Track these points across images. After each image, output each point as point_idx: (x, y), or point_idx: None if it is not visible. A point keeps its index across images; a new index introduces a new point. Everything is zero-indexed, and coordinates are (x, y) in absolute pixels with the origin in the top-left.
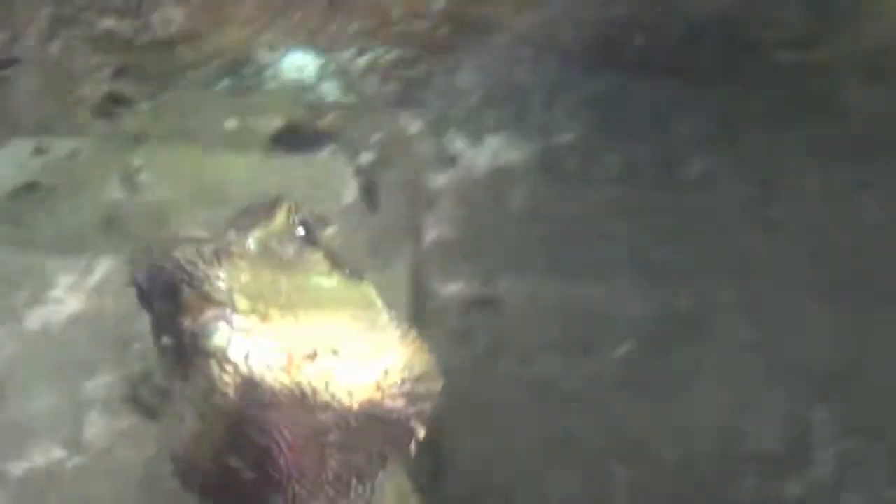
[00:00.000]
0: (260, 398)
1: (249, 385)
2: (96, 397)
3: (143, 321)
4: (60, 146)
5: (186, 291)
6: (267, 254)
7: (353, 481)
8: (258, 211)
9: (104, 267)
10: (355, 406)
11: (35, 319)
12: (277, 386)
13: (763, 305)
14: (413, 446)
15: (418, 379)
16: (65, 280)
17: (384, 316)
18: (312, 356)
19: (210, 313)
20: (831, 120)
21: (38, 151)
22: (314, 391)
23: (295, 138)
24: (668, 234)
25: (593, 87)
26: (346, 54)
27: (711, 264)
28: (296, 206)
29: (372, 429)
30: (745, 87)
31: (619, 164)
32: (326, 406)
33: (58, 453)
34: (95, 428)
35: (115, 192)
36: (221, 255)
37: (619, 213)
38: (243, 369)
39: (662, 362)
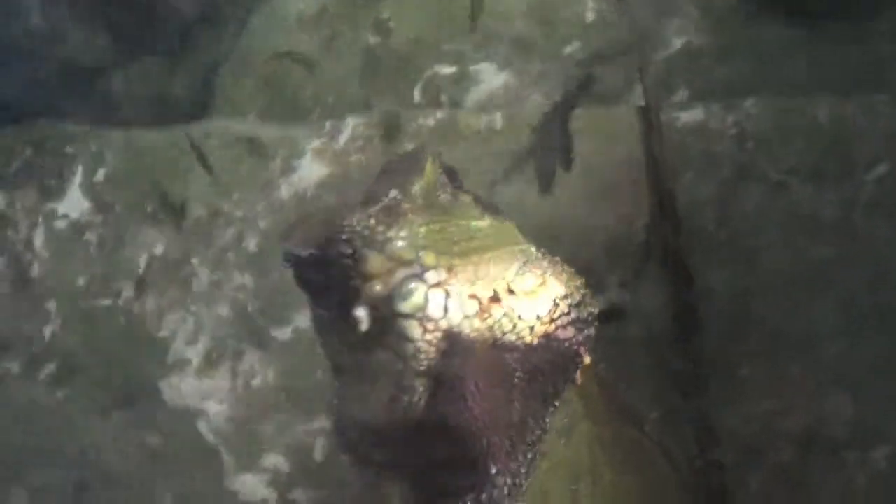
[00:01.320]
0: (460, 350)
1: (451, 338)
2: None
3: None
4: None
5: (371, 256)
6: (429, 205)
7: (531, 422)
8: (405, 164)
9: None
10: (536, 341)
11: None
12: (474, 334)
13: None
14: (579, 374)
15: (580, 305)
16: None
17: (533, 249)
18: (497, 298)
19: (401, 273)
20: None
21: None
22: (503, 332)
23: None
24: None
25: None
26: None
27: None
28: (435, 155)
29: (548, 362)
30: None
31: None
32: (513, 346)
33: None
34: None
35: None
36: (395, 213)
37: None
38: (443, 324)
39: None
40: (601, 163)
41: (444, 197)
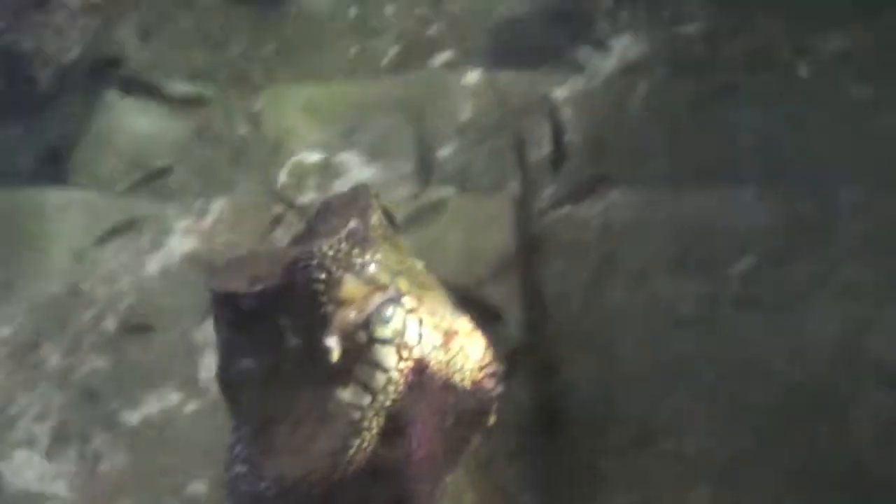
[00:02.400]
0: (420, 385)
1: (418, 370)
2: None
3: None
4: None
5: (347, 280)
6: (384, 236)
7: (445, 473)
8: (346, 200)
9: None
10: (470, 385)
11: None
12: (437, 367)
13: (888, 207)
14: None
15: (496, 360)
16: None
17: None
18: (454, 332)
19: (377, 298)
20: None
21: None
22: (454, 370)
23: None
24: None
25: None
26: None
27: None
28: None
29: (471, 411)
30: None
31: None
32: (456, 387)
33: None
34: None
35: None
36: (365, 240)
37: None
38: (416, 352)
39: (782, 276)
40: (473, 251)
41: (389, 232)
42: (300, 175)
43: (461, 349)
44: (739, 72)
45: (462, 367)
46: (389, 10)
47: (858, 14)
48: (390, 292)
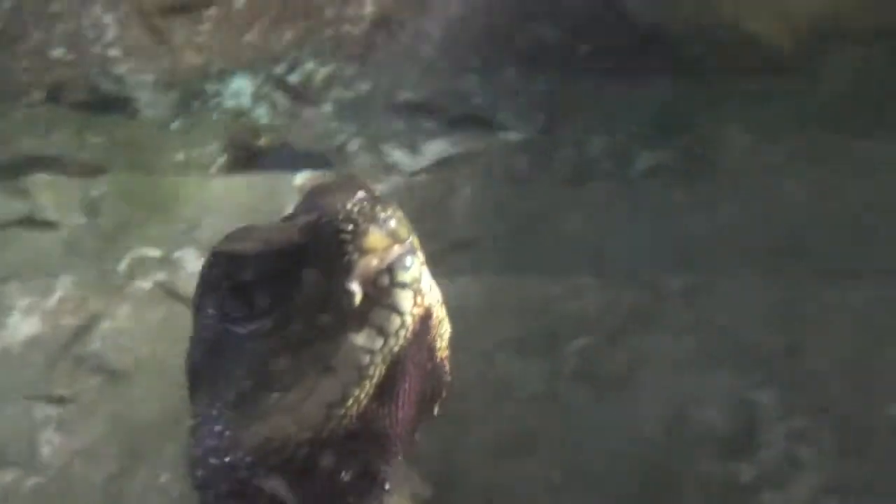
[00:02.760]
0: (418, 339)
1: (423, 321)
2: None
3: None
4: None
5: (373, 231)
6: None
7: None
8: (340, 184)
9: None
10: (440, 361)
11: None
12: (436, 322)
13: (707, 292)
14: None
15: None
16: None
17: None
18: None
19: (397, 249)
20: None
21: None
22: (441, 333)
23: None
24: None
25: (542, 88)
26: (281, 70)
27: (660, 254)
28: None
29: (435, 388)
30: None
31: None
32: (434, 353)
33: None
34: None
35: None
36: (382, 201)
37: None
38: (426, 300)
39: (615, 354)
40: None
41: None
42: (138, 267)
43: (444, 318)
44: (567, 179)
45: (443, 336)
46: (216, 117)
47: (670, 131)
48: (408, 244)
